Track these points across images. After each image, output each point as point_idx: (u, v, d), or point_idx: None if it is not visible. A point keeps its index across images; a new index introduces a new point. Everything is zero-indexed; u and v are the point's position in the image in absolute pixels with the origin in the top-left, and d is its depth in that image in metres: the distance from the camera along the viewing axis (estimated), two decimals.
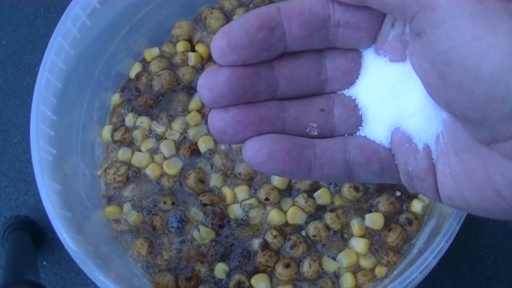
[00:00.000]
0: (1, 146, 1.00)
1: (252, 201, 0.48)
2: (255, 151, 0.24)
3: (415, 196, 0.49)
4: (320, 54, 0.25)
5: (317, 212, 0.48)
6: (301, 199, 0.48)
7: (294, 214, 0.48)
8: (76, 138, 0.51)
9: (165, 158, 0.50)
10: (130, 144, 0.52)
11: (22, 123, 1.01)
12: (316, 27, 0.23)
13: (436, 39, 0.19)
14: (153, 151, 0.51)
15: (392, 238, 0.47)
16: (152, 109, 0.52)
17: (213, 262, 0.48)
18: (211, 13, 0.52)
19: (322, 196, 0.48)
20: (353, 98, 0.25)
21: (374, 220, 0.48)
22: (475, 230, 0.90)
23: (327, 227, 0.48)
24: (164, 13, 0.54)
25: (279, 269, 0.46)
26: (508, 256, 0.90)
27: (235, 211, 0.48)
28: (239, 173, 0.49)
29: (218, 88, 0.23)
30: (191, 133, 0.51)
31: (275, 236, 0.47)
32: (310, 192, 0.48)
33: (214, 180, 0.49)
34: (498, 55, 0.18)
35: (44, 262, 0.96)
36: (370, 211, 0.48)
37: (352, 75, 0.25)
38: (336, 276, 0.47)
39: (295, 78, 0.24)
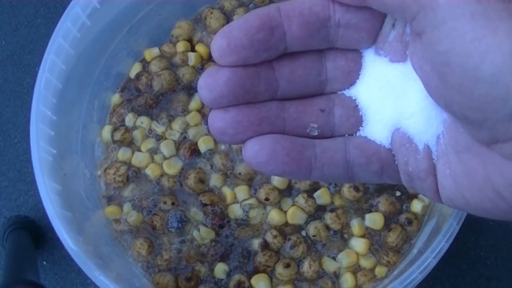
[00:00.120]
0: (1, 146, 1.00)
1: (252, 201, 0.48)
2: (255, 151, 0.24)
3: (415, 196, 0.49)
4: (321, 54, 0.25)
5: (317, 212, 0.48)
6: (301, 199, 0.48)
7: (294, 214, 0.48)
8: (76, 138, 0.51)
9: (165, 158, 0.50)
10: (130, 144, 0.52)
11: (22, 123, 1.01)
12: (316, 27, 0.23)
13: (436, 40, 0.19)
14: (153, 151, 0.51)
15: (392, 238, 0.47)
16: (152, 109, 0.52)
17: (213, 262, 0.48)
18: (211, 13, 0.52)
19: (322, 196, 0.48)
20: (353, 98, 0.25)
21: (374, 220, 0.48)
22: (475, 230, 0.90)
23: (327, 227, 0.48)
24: (164, 13, 0.54)
25: (279, 269, 0.46)
26: (508, 256, 0.90)
27: (235, 211, 0.48)
28: (239, 173, 0.49)
29: (218, 88, 0.23)
30: (191, 133, 0.51)
31: (275, 236, 0.47)
32: (310, 192, 0.48)
33: (214, 180, 0.49)
34: (498, 55, 0.18)
35: (44, 262, 0.96)
36: (370, 211, 0.48)
37: (352, 76, 0.25)
38: (336, 276, 0.47)
39: (295, 78, 0.24)
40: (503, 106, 0.18)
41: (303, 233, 0.48)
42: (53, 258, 0.96)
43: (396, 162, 0.25)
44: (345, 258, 0.47)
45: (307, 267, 0.46)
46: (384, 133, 0.25)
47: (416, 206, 0.48)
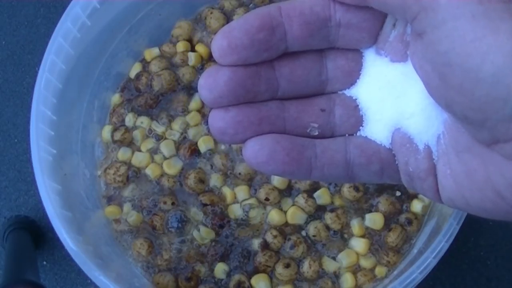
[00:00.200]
0: (1, 146, 1.00)
1: (252, 201, 0.48)
2: (256, 151, 0.24)
3: (415, 196, 0.49)
4: (321, 54, 0.25)
5: (317, 212, 0.48)
6: (301, 199, 0.48)
7: (294, 214, 0.48)
8: (76, 138, 0.51)
9: (165, 158, 0.50)
10: (130, 144, 0.52)
11: (22, 123, 1.01)
12: (317, 27, 0.23)
13: (437, 40, 0.19)
14: (153, 151, 0.51)
15: (392, 238, 0.47)
16: (152, 109, 0.52)
17: (213, 262, 0.48)
18: (211, 13, 0.52)
19: (322, 196, 0.48)
20: (353, 98, 0.25)
21: (374, 220, 0.48)
22: (475, 230, 0.90)
23: (327, 227, 0.48)
24: (164, 13, 0.54)
25: (279, 269, 0.46)
26: (508, 256, 0.90)
27: (235, 211, 0.48)
28: (239, 173, 0.49)
29: (218, 88, 0.23)
30: (191, 133, 0.51)
31: (275, 236, 0.47)
32: (310, 192, 0.48)
33: (214, 180, 0.49)
34: (499, 56, 0.18)
35: (44, 262, 0.96)
36: (370, 211, 0.48)
37: (353, 75, 0.25)
38: (336, 276, 0.47)
39: (296, 78, 0.24)
40: (503, 106, 0.18)
41: (303, 233, 0.48)
42: (53, 258, 0.96)
43: (397, 162, 0.25)
44: (345, 258, 0.47)
45: (307, 267, 0.46)
46: (384, 133, 0.25)
47: (416, 206, 0.48)
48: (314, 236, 0.47)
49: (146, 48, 0.54)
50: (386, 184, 0.49)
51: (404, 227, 0.48)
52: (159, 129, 0.51)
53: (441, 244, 0.40)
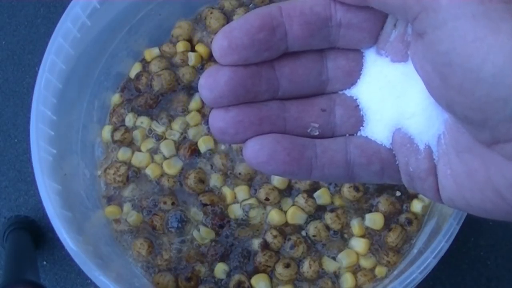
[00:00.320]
0: (1, 146, 1.00)
1: (252, 201, 0.48)
2: (256, 151, 0.23)
3: (415, 196, 0.49)
4: (322, 54, 0.25)
5: (317, 212, 0.48)
6: (301, 199, 0.48)
7: (294, 214, 0.47)
8: (76, 138, 0.51)
9: (165, 158, 0.50)
10: (130, 144, 0.52)
11: (22, 123, 1.00)
12: (318, 27, 0.23)
13: (437, 40, 0.19)
14: (153, 151, 0.51)
15: (392, 238, 0.47)
16: (152, 109, 0.52)
17: (213, 262, 0.48)
18: (211, 13, 0.52)
19: (322, 196, 0.48)
20: (354, 98, 0.25)
21: (374, 220, 0.48)
22: (475, 230, 0.90)
23: (327, 227, 0.48)
24: (164, 13, 0.54)
25: (279, 269, 0.46)
26: (508, 256, 0.90)
27: (235, 211, 0.48)
28: (239, 173, 0.49)
29: (219, 88, 0.23)
30: (191, 133, 0.51)
31: (275, 236, 0.47)
32: (310, 192, 0.48)
33: (214, 180, 0.49)
34: (499, 56, 0.18)
35: (44, 262, 0.96)
36: (370, 211, 0.48)
37: (353, 75, 0.25)
38: (336, 276, 0.47)
39: (296, 78, 0.24)
40: (504, 106, 0.18)
41: (303, 233, 0.48)
42: (53, 258, 0.96)
43: (397, 162, 0.25)
44: (345, 258, 0.47)
45: (307, 267, 0.46)
46: (384, 133, 0.25)
47: (416, 206, 0.48)
48: (314, 236, 0.47)
49: (146, 48, 0.54)
50: (386, 184, 0.49)
51: (404, 227, 0.48)
52: (159, 129, 0.51)
53: (441, 244, 0.40)
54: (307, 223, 0.48)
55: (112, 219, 0.50)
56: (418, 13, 0.20)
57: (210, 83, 0.23)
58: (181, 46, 0.53)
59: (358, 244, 0.47)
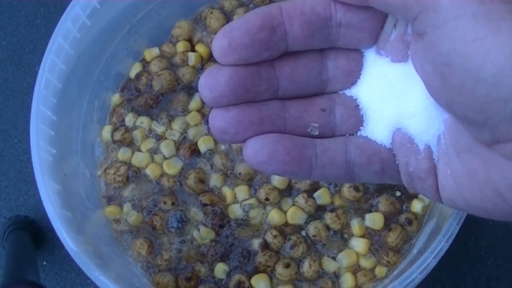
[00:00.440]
0: (1, 146, 1.00)
1: (252, 201, 0.48)
2: (256, 150, 0.23)
3: (415, 196, 0.49)
4: (322, 54, 0.25)
5: (317, 212, 0.48)
6: (301, 199, 0.48)
7: (294, 214, 0.47)
8: (76, 138, 0.51)
9: (165, 158, 0.50)
10: (130, 144, 0.52)
11: (22, 123, 1.00)
12: (318, 27, 0.23)
13: (437, 40, 0.19)
14: (153, 151, 0.51)
15: (392, 238, 0.47)
16: (152, 109, 0.52)
17: (213, 262, 0.48)
18: (211, 13, 0.52)
19: (322, 196, 0.48)
20: (354, 98, 0.25)
21: (374, 220, 0.48)
22: (475, 230, 0.90)
23: (327, 227, 0.48)
24: (164, 13, 0.54)
25: (279, 269, 0.46)
26: (508, 256, 0.90)
27: (235, 211, 0.48)
28: (239, 173, 0.49)
29: (219, 87, 0.23)
30: (191, 133, 0.51)
31: (275, 236, 0.47)
32: (310, 192, 0.48)
33: (214, 180, 0.49)
34: (500, 56, 0.18)
35: (44, 262, 0.96)
36: (370, 211, 0.48)
37: (353, 75, 0.25)
38: (336, 276, 0.47)
39: (296, 77, 0.24)
40: (504, 106, 0.18)
41: (303, 233, 0.48)
42: (53, 258, 0.96)
43: (397, 162, 0.25)
44: (345, 258, 0.47)
45: (307, 267, 0.46)
46: (384, 133, 0.25)
47: (416, 206, 0.48)
48: (314, 236, 0.47)
49: (146, 48, 0.54)
50: (386, 184, 0.49)
51: (404, 227, 0.48)
52: (159, 129, 0.51)
53: (441, 244, 0.40)
54: (307, 223, 0.48)
55: (112, 219, 0.50)
56: (418, 13, 0.20)
57: (210, 83, 0.23)
58: (181, 46, 0.53)
59: (358, 244, 0.47)
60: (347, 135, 0.25)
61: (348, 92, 0.25)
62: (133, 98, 0.53)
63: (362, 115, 0.25)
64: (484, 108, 0.19)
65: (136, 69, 0.54)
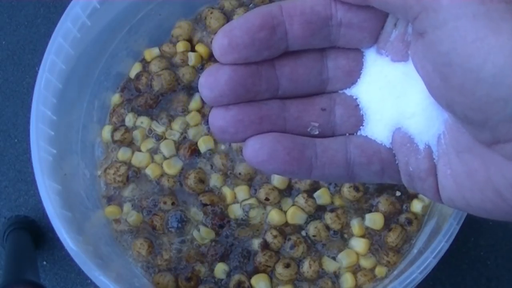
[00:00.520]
0: (1, 146, 1.00)
1: (252, 201, 0.48)
2: (256, 150, 0.23)
3: (415, 196, 0.49)
4: (322, 53, 0.25)
5: (317, 212, 0.48)
6: (301, 199, 0.48)
7: (294, 214, 0.47)
8: (76, 138, 0.51)
9: (165, 158, 0.50)
10: (130, 144, 0.52)
11: (22, 123, 1.01)
12: (318, 26, 0.23)
13: (438, 40, 0.19)
14: (153, 151, 0.51)
15: (392, 238, 0.47)
16: (152, 109, 0.52)
17: (213, 262, 0.48)
18: (211, 13, 0.52)
19: (322, 196, 0.48)
20: (354, 97, 0.25)
21: (374, 220, 0.48)
22: (475, 230, 0.90)
23: (327, 227, 0.48)
24: (164, 13, 0.54)
25: (279, 269, 0.46)
26: (508, 256, 0.90)
27: (235, 211, 0.48)
28: (239, 173, 0.49)
29: (219, 87, 0.23)
30: (191, 133, 0.51)
31: (275, 236, 0.47)
32: (310, 192, 0.48)
33: (214, 180, 0.49)
34: (500, 56, 0.18)
35: (44, 262, 0.96)
36: (370, 211, 0.48)
37: (353, 75, 0.25)
38: (336, 276, 0.47)
39: (297, 77, 0.24)
40: (504, 107, 0.18)
41: (303, 233, 0.48)
42: (53, 258, 0.96)
43: (397, 162, 0.25)
44: (345, 258, 0.47)
45: (307, 267, 0.46)
46: (384, 132, 0.25)
47: (416, 206, 0.48)
48: (314, 236, 0.47)
49: (146, 48, 0.54)
50: (386, 184, 0.49)
51: (404, 227, 0.48)
52: (159, 129, 0.51)
53: (441, 244, 0.40)
54: (307, 223, 0.48)
55: (112, 219, 0.50)
56: (419, 13, 0.20)
57: (210, 82, 0.23)
58: (181, 46, 0.53)
59: (358, 244, 0.47)
60: (347, 134, 0.25)
61: (348, 92, 0.25)
62: (133, 98, 0.53)
63: (362, 115, 0.25)
64: (484, 108, 0.19)
65: (136, 69, 0.54)
